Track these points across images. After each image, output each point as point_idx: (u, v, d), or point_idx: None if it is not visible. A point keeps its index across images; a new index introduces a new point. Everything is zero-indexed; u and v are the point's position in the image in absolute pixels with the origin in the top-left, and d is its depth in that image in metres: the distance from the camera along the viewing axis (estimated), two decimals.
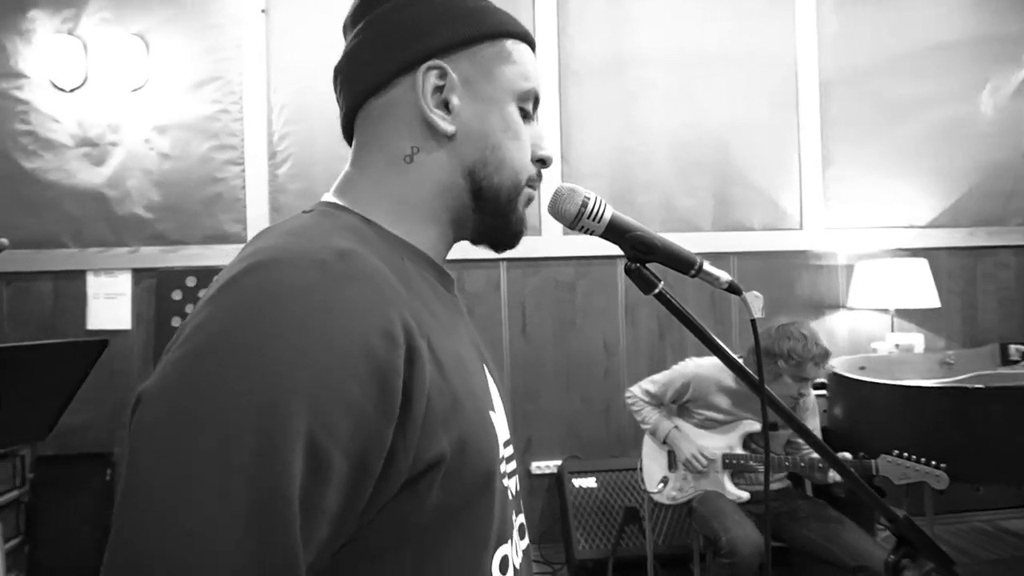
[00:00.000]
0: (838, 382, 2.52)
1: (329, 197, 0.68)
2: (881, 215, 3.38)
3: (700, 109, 3.24)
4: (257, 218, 2.96)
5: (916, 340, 3.10)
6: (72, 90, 2.84)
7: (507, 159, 0.66)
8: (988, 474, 2.20)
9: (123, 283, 2.87)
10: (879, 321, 3.30)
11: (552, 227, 3.10)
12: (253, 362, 0.46)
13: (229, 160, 2.96)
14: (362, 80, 0.66)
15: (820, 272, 3.33)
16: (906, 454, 1.96)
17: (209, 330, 0.48)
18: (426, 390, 0.53)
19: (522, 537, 0.67)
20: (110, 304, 2.86)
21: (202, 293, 2.84)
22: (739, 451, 2.31)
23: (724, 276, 0.75)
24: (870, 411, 2.39)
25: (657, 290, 0.74)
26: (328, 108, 2.96)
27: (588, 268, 3.15)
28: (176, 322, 2.82)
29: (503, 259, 3.08)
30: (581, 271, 3.15)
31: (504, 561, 0.61)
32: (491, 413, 0.62)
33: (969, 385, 2.24)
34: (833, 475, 2.12)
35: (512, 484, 0.66)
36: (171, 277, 2.85)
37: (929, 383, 2.41)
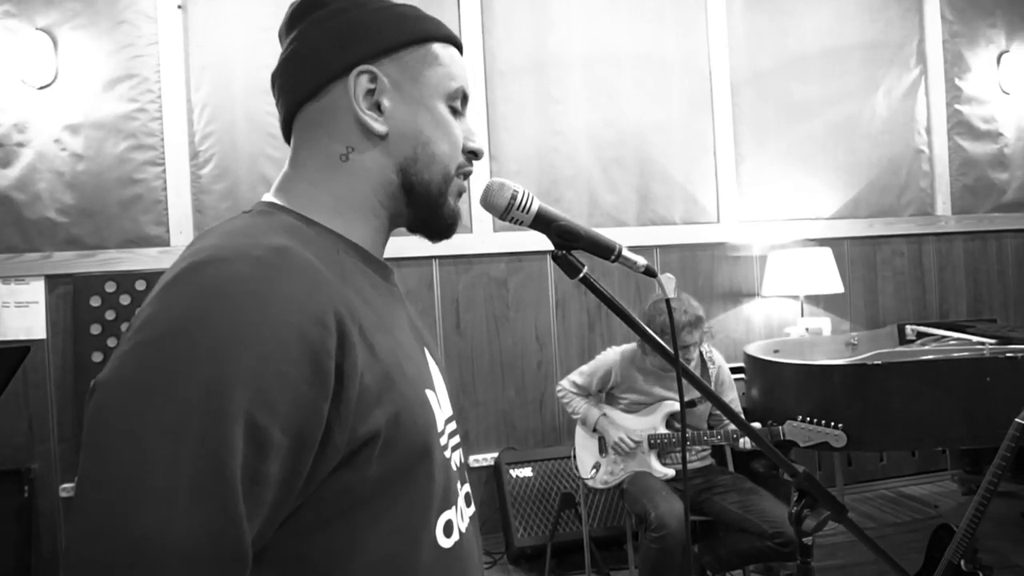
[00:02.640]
0: (754, 364, 2.68)
1: (269, 197, 0.72)
2: (790, 208, 3.60)
3: (620, 108, 3.37)
4: (180, 220, 2.87)
5: (824, 324, 3.33)
6: None
7: (437, 154, 0.71)
8: (890, 442, 2.40)
9: (36, 290, 2.74)
10: (790, 307, 3.52)
11: (483, 224, 3.16)
12: (196, 350, 0.51)
13: (148, 160, 2.86)
14: (298, 86, 0.70)
15: (737, 263, 3.52)
16: (808, 418, 2.13)
17: (155, 324, 0.53)
18: (359, 371, 0.57)
19: (468, 504, 0.73)
20: (22, 313, 2.72)
21: (123, 299, 2.75)
22: (663, 431, 2.44)
23: (641, 260, 0.83)
24: (784, 390, 2.56)
25: (581, 274, 0.81)
26: (252, 106, 2.95)
27: (519, 264, 3.23)
28: (96, 329, 2.71)
29: (436, 256, 3.11)
30: (512, 267, 3.22)
31: (448, 525, 0.67)
32: (428, 391, 0.67)
33: (870, 362, 2.43)
34: (745, 442, 2.29)
35: (456, 456, 0.72)
36: (89, 283, 2.74)
37: (836, 362, 2.60)
